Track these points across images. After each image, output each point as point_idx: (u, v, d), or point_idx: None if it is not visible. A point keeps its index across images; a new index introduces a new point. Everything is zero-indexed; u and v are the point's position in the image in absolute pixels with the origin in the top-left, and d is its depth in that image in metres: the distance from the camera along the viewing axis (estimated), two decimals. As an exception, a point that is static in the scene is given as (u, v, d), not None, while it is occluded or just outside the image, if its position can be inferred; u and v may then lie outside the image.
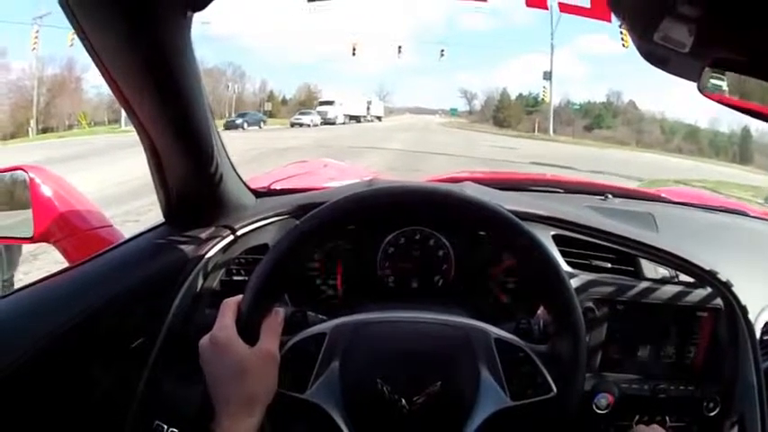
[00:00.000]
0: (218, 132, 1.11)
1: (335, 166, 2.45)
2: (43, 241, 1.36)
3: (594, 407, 1.16)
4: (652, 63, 0.82)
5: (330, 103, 45.93)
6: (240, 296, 0.87)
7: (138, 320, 1.09)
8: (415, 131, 33.60)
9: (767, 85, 0.73)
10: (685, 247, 1.23)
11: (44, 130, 32.46)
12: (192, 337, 0.88)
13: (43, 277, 1.08)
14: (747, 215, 1.75)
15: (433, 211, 0.98)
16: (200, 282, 1.19)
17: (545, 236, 1.22)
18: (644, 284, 1.23)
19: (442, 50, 41.65)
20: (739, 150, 34.32)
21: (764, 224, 1.69)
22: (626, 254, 1.24)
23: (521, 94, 59.33)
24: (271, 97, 55.77)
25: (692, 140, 37.31)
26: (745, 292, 1.19)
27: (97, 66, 0.86)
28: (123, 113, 1.09)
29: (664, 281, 1.24)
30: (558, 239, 1.24)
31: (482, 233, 1.18)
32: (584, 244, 1.25)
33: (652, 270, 1.25)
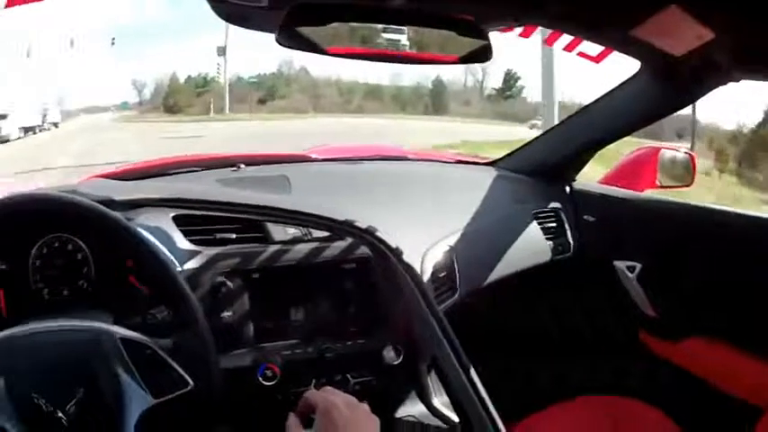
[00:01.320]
0: None
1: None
2: None
3: (261, 379, 1.14)
4: (235, 23, 0.83)
5: (2, 117, 38.44)
6: None
7: None
8: (88, 134, 27.23)
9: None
10: (326, 202, 1.22)
11: None
12: None
13: None
14: (407, 158, 1.82)
15: (37, 216, 1.01)
16: None
17: (164, 219, 1.18)
18: (273, 248, 1.22)
19: (113, 39, 37.45)
20: (432, 101, 34.35)
21: (427, 165, 1.79)
22: (251, 221, 1.23)
23: (189, 76, 56.49)
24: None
25: (373, 98, 36.03)
26: (406, 236, 1.21)
27: None
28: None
29: (294, 240, 1.24)
30: (178, 220, 1.20)
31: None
32: (208, 219, 1.22)
33: (282, 232, 1.23)
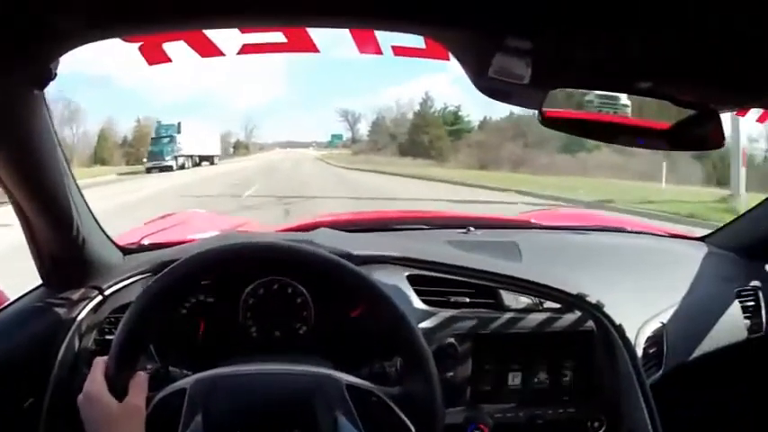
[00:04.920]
0: (80, 193, 1.14)
1: (204, 216, 2.40)
2: None
3: None
4: (491, 97, 0.83)
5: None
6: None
7: (27, 381, 1.11)
8: (278, 178, 19.89)
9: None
10: (554, 272, 1.26)
11: None
12: (75, 397, 0.89)
13: None
14: (625, 230, 1.82)
15: (278, 265, 1.04)
16: (77, 342, 1.20)
17: (399, 277, 1.22)
18: (506, 316, 1.23)
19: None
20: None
21: (644, 238, 1.77)
22: (485, 287, 1.25)
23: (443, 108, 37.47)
24: (101, 138, 35.97)
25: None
26: (625, 309, 1.23)
27: None
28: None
29: (527, 310, 1.25)
30: (413, 279, 1.24)
31: None
32: (441, 281, 1.25)
33: (514, 300, 1.25)
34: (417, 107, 37.49)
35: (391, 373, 1.03)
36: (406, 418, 0.88)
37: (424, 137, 34.07)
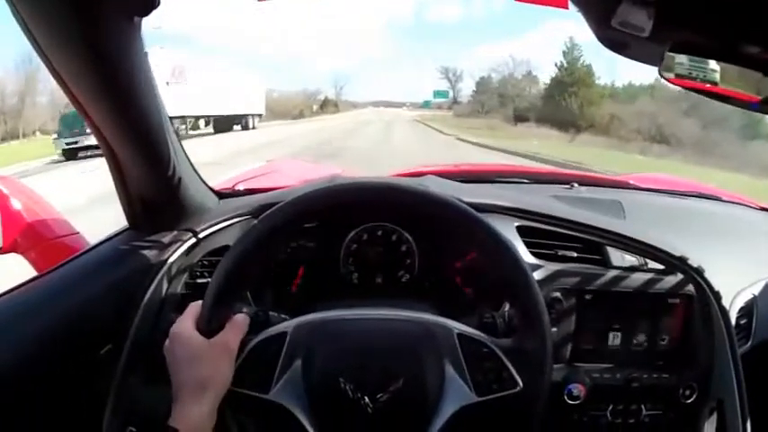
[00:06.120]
0: (177, 135, 1.11)
1: (301, 164, 2.45)
2: (12, 252, 1.36)
3: (566, 397, 1.15)
4: (611, 49, 0.81)
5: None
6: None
7: (106, 327, 1.09)
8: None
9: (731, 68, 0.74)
10: (655, 233, 1.23)
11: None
12: (159, 342, 0.87)
13: (8, 289, 1.04)
14: (720, 200, 1.77)
15: (391, 207, 0.98)
16: (165, 286, 1.18)
17: (508, 227, 1.21)
18: (612, 273, 1.21)
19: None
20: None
21: (738, 208, 1.72)
22: (592, 242, 1.24)
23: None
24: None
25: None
26: (719, 278, 1.19)
27: (51, 72, 0.87)
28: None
29: (632, 269, 1.22)
30: (521, 230, 1.23)
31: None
32: (549, 234, 1.24)
33: (620, 258, 1.23)
34: (560, 58, 28.04)
35: (500, 324, 1.01)
36: (515, 373, 0.86)
37: (571, 100, 24.79)
